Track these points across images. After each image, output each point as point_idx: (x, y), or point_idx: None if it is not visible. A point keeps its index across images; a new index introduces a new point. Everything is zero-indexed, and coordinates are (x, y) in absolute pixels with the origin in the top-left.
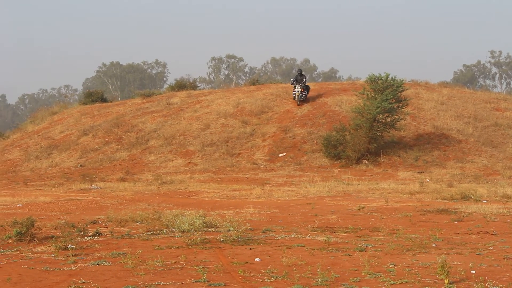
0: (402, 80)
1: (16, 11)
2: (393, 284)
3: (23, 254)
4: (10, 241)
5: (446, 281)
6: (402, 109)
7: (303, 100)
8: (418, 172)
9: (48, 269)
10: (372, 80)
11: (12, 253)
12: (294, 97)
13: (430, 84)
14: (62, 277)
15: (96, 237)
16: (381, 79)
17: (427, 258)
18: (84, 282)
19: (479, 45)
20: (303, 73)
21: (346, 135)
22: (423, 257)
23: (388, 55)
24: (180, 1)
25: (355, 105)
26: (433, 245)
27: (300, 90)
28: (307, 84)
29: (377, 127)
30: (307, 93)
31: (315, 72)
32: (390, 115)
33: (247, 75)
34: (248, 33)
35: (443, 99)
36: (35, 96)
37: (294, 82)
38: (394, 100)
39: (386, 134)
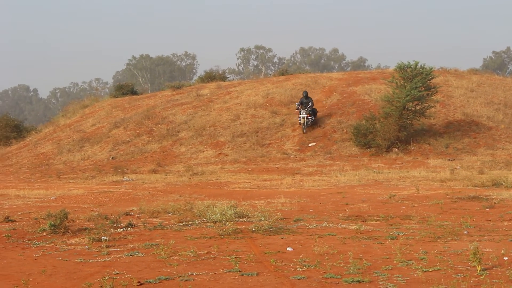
0: (431, 68)
1: (44, 5)
2: (425, 271)
3: (57, 246)
4: (44, 234)
5: (479, 268)
6: (432, 97)
7: (310, 126)
8: (449, 160)
9: (82, 260)
10: (401, 68)
11: (47, 245)
12: (300, 123)
13: (459, 72)
14: (96, 269)
15: (129, 228)
16: (410, 67)
17: (459, 245)
18: (118, 273)
19: (509, 31)
20: (309, 95)
21: (376, 123)
22: (455, 244)
23: (416, 43)
24: None
25: (385, 94)
26: (465, 232)
27: (306, 115)
28: (314, 107)
29: (407, 115)
30: (315, 117)
31: (344, 62)
32: (420, 103)
33: (276, 65)
34: (277, 24)
35: (472, 86)
36: (66, 89)
37: (299, 107)
38: (423, 88)
39: (416, 122)
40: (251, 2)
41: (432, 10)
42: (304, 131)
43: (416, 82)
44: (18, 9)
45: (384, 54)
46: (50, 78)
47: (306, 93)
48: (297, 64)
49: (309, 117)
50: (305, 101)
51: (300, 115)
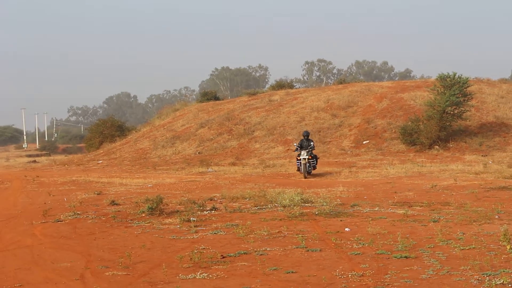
0: (467, 78)
1: (141, 23)
2: (463, 249)
3: (154, 225)
4: (143, 215)
5: (508, 247)
6: (468, 102)
7: (310, 171)
8: (482, 156)
9: (175, 237)
10: (442, 78)
11: (145, 224)
12: (299, 167)
13: (491, 81)
14: (186, 244)
15: (213, 211)
16: (449, 77)
17: (491, 228)
18: (204, 248)
19: None
20: (310, 137)
21: (420, 125)
22: (487, 226)
23: (455, 54)
24: (278, 14)
25: (428, 100)
26: (496, 216)
27: (307, 157)
28: (314, 152)
29: (446, 118)
30: (316, 162)
31: (392, 72)
32: (457, 108)
33: (335, 75)
34: (336, 39)
35: (502, 93)
36: (161, 96)
37: (299, 148)
38: (460, 95)
39: (454, 123)
40: (314, 21)
41: (468, 24)
42: (306, 175)
43: (454, 89)
44: (123, 32)
45: (427, 65)
46: (147, 87)
47: (307, 133)
48: (353, 74)
49: (310, 160)
50: (305, 143)
51: (300, 157)
